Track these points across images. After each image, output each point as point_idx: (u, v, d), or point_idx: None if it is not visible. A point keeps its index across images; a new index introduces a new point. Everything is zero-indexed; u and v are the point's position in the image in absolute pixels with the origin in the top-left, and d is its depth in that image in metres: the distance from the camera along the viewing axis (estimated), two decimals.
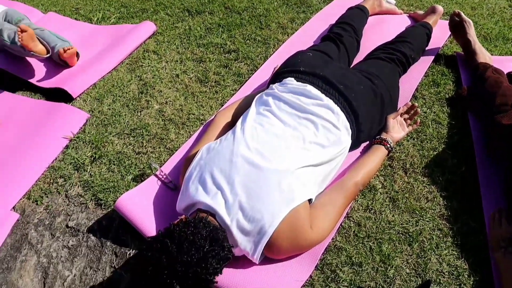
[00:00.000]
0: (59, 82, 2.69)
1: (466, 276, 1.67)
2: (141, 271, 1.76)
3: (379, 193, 1.95)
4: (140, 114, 2.45)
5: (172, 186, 2.02)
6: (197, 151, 1.85)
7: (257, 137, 1.77)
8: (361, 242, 1.80)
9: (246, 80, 2.58)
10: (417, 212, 1.88)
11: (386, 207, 1.91)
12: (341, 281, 1.69)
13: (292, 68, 2.09)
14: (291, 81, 2.00)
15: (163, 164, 2.15)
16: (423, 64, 2.55)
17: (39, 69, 2.82)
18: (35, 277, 1.86)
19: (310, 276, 1.71)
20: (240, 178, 1.66)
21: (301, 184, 1.68)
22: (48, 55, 2.68)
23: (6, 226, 2.01)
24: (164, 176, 2.04)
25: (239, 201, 1.62)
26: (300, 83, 1.98)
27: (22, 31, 2.53)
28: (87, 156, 2.24)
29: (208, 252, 1.49)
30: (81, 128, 2.40)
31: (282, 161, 1.70)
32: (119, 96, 2.57)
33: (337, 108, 1.91)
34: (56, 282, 1.83)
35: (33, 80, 2.73)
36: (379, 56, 2.36)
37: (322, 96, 1.93)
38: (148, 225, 1.84)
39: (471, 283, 1.66)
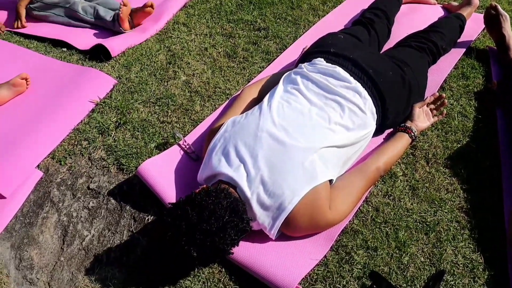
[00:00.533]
0: (98, 41, 2.75)
1: (481, 270, 1.67)
2: (160, 237, 1.79)
3: (399, 181, 1.95)
4: (167, 84, 2.46)
5: (194, 157, 2.04)
6: (222, 124, 1.86)
7: (283, 114, 1.78)
8: (378, 227, 1.81)
9: (274, 59, 2.58)
10: (436, 203, 1.87)
11: (405, 195, 1.90)
12: (355, 263, 1.70)
13: (322, 48, 2.08)
14: (320, 62, 1.99)
15: (187, 134, 2.17)
16: (454, 56, 2.52)
17: (79, 33, 2.90)
18: (55, 234, 1.90)
19: (325, 256, 1.72)
20: (264, 153, 1.67)
21: (323, 163, 1.69)
22: (131, 30, 2.86)
23: (30, 182, 2.06)
24: (187, 146, 2.06)
25: (261, 175, 1.63)
26: (329, 64, 1.97)
27: (125, 4, 2.72)
28: (112, 121, 2.27)
29: (227, 223, 1.51)
30: (108, 93, 2.43)
31: (306, 139, 1.70)
32: (147, 65, 2.59)
33: (364, 92, 1.90)
34: (75, 241, 1.87)
35: (72, 42, 2.79)
36: (410, 44, 2.33)
37: (351, 78, 1.92)
38: (168, 193, 1.87)
39: (485, 277, 1.65)
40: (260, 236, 1.71)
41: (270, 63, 2.55)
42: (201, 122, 2.23)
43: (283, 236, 1.72)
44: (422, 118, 2.10)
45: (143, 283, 1.71)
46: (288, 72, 2.02)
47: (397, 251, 1.73)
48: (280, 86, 1.93)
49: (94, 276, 1.76)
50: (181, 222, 1.50)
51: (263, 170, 1.64)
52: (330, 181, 1.74)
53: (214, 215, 1.50)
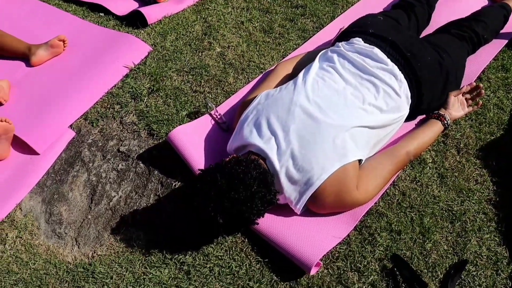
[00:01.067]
0: (135, 8, 2.76)
1: (505, 264, 1.66)
2: (187, 202, 1.82)
3: (428, 167, 1.93)
4: (201, 55, 2.47)
5: (224, 127, 2.05)
6: (255, 96, 1.87)
7: (318, 90, 1.77)
8: (403, 211, 1.80)
9: (310, 37, 2.56)
10: (464, 192, 1.85)
11: (433, 182, 1.89)
12: (377, 245, 1.70)
13: (361, 28, 2.05)
14: (358, 42, 1.97)
15: (219, 105, 2.17)
16: (495, 46, 2.45)
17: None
18: (84, 193, 1.95)
19: (348, 236, 1.73)
20: (296, 127, 1.67)
21: (354, 143, 1.69)
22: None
23: (62, 141, 2.11)
24: (219, 116, 2.08)
25: (292, 149, 1.64)
26: (367, 45, 1.94)
27: None
28: (145, 87, 2.29)
29: (255, 193, 1.52)
30: (143, 60, 2.45)
31: (339, 117, 1.70)
32: (182, 34, 2.59)
33: (401, 75, 1.88)
34: (103, 200, 1.92)
35: (110, 7, 2.80)
36: (450, 32, 2.28)
37: (388, 60, 1.89)
38: (197, 160, 1.89)
39: (509, 271, 1.64)
40: (285, 210, 1.73)
41: (306, 41, 2.53)
42: (233, 94, 2.23)
43: (308, 212, 1.73)
44: (457, 107, 2.06)
45: (167, 247, 1.75)
46: (324, 50, 2.01)
47: (421, 237, 1.73)
48: (316, 63, 1.91)
49: (119, 236, 1.81)
50: (210, 188, 1.52)
51: (294, 144, 1.64)
52: (360, 161, 1.74)
53: (243, 184, 1.51)
